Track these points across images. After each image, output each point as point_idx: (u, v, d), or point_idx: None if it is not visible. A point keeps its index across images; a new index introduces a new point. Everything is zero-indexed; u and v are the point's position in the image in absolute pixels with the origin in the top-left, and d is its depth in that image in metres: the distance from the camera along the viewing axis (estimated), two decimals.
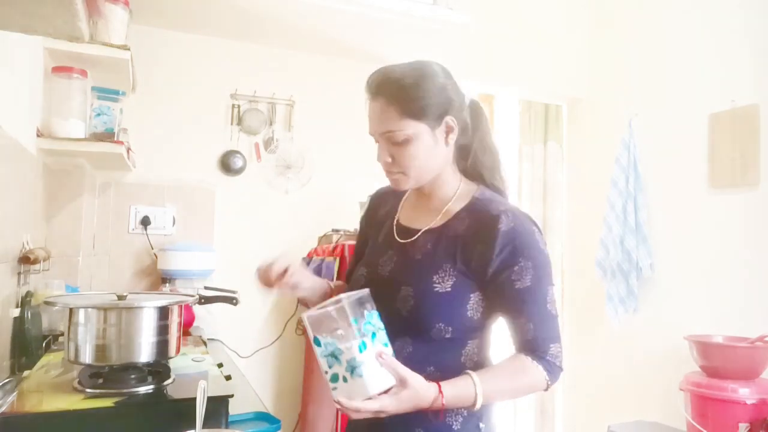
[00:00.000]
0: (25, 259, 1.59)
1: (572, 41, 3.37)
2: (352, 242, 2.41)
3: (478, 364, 1.07)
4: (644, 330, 2.90)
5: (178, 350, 1.25)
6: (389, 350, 0.95)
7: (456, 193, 1.13)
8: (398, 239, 1.15)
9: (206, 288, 2.33)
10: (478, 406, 0.96)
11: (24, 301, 1.58)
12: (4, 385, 1.22)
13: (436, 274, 1.05)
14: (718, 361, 2.23)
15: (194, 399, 0.91)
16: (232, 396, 1.13)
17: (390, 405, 0.90)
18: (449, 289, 1.04)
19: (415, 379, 0.93)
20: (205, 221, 2.71)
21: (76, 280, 2.21)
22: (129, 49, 1.94)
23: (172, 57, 2.68)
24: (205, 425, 0.91)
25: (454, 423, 1.05)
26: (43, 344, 1.64)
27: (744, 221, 2.48)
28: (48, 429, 1.00)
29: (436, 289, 1.04)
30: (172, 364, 1.29)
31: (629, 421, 2.59)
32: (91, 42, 1.84)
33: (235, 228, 2.77)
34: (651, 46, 2.98)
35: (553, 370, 1.03)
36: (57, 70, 1.86)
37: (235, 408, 1.17)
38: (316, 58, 2.91)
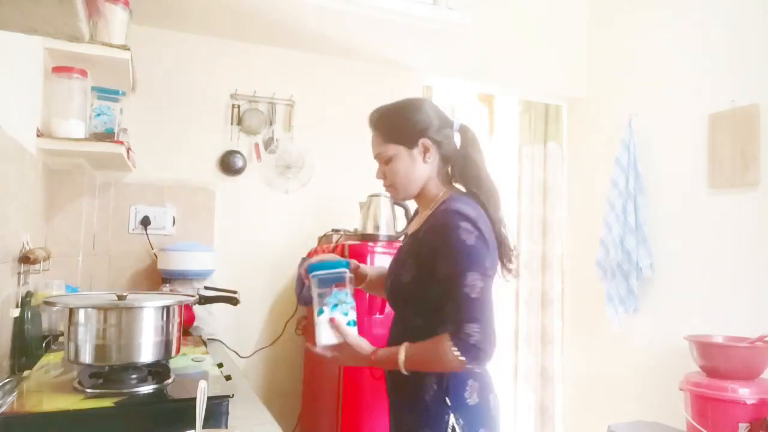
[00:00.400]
0: (25, 259, 1.59)
1: (572, 41, 3.37)
2: (352, 242, 2.41)
3: None
4: (644, 330, 2.90)
5: (178, 350, 1.25)
6: (345, 319, 1.29)
7: (436, 200, 1.37)
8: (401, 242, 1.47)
9: (206, 288, 2.34)
10: (401, 368, 1.23)
11: (24, 301, 1.58)
12: (4, 385, 1.22)
13: (403, 268, 1.33)
14: (718, 361, 2.24)
15: (194, 399, 0.91)
16: (232, 396, 1.13)
17: (333, 355, 1.30)
18: (410, 279, 1.31)
19: (355, 341, 1.28)
20: (205, 221, 2.71)
21: (76, 280, 2.21)
22: (129, 49, 1.94)
23: (172, 57, 2.68)
24: (205, 425, 0.91)
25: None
26: (43, 344, 1.64)
27: (744, 221, 2.48)
28: (48, 429, 1.00)
29: (402, 279, 1.33)
30: (172, 364, 1.30)
31: (629, 421, 2.59)
32: (91, 42, 1.84)
33: (235, 228, 2.77)
34: (651, 46, 2.98)
35: (468, 349, 1.17)
36: (57, 70, 1.86)
37: (235, 408, 1.17)
38: (316, 58, 2.91)
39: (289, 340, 2.79)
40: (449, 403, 1.25)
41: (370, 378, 2.21)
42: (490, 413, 1.29)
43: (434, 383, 1.26)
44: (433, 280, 1.25)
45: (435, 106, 1.41)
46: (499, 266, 1.34)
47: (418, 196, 1.41)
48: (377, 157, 1.40)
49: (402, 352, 1.23)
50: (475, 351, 1.16)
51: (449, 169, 1.41)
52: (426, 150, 1.35)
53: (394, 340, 1.34)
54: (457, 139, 1.40)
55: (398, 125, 1.37)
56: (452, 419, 1.24)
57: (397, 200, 1.46)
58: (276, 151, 2.83)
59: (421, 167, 1.36)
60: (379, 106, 1.42)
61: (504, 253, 1.34)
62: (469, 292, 1.18)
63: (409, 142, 1.35)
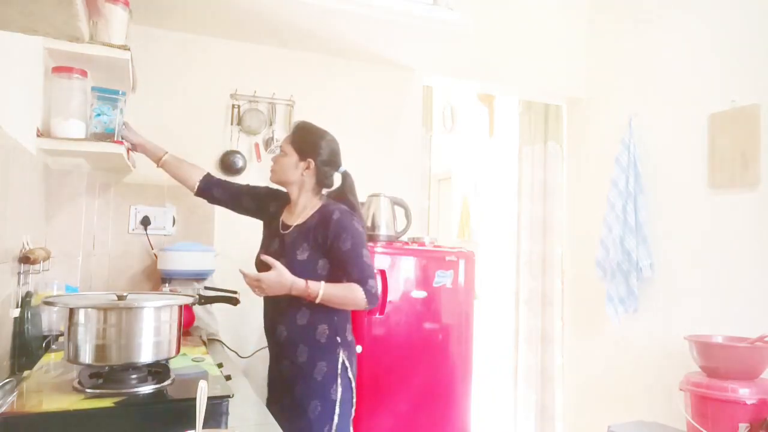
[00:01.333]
0: (25, 259, 1.59)
1: (572, 41, 3.37)
2: None
3: (331, 310, 1.76)
4: (644, 330, 2.90)
5: (178, 350, 1.25)
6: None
7: (311, 204, 1.85)
8: (281, 231, 1.85)
9: (206, 288, 2.34)
10: (318, 297, 1.67)
11: (24, 301, 1.58)
12: (4, 385, 1.22)
13: (299, 250, 1.75)
14: (718, 361, 2.24)
15: (194, 399, 0.91)
16: (232, 396, 1.13)
17: (263, 278, 1.68)
18: (305, 258, 1.74)
19: (282, 268, 1.68)
20: (205, 221, 2.70)
21: (76, 280, 2.21)
22: (129, 49, 1.94)
23: (172, 57, 2.68)
24: (205, 425, 0.91)
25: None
26: (43, 344, 1.64)
27: (744, 221, 2.48)
28: (48, 429, 1.00)
29: (298, 258, 1.74)
30: (172, 364, 1.30)
31: (629, 421, 2.59)
32: (91, 42, 1.83)
33: (235, 228, 2.77)
34: (651, 46, 2.98)
35: (369, 295, 1.70)
36: (57, 70, 1.86)
37: (235, 408, 1.17)
38: (316, 58, 2.91)
39: None
40: (339, 341, 1.77)
41: (368, 377, 2.21)
42: (354, 346, 1.87)
43: (327, 328, 1.76)
44: (324, 256, 1.73)
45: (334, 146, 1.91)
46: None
47: (293, 197, 1.88)
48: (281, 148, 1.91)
49: (321, 287, 1.67)
50: (375, 298, 1.71)
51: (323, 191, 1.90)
52: (307, 166, 1.83)
53: (283, 300, 1.73)
54: (337, 179, 1.90)
55: (304, 143, 1.87)
56: (341, 354, 1.76)
57: (272, 180, 1.90)
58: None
59: (297, 173, 1.85)
60: (303, 122, 1.95)
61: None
62: (366, 260, 1.73)
63: (301, 155, 1.84)
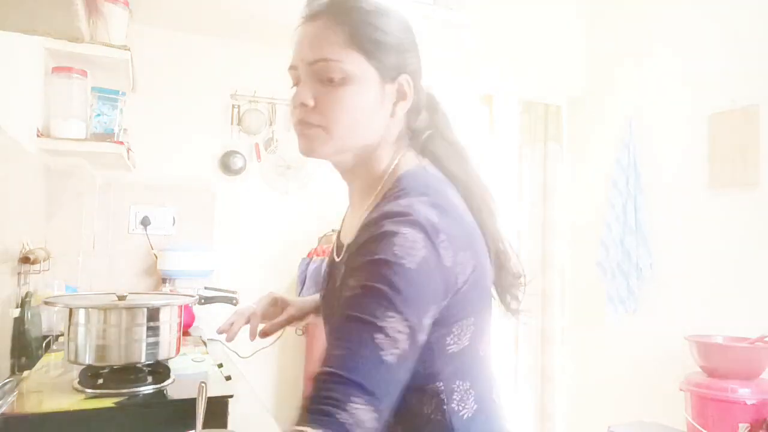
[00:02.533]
0: (25, 260, 1.59)
1: (572, 41, 3.37)
2: None
3: (450, 411, 0.75)
4: (644, 330, 2.90)
5: (178, 351, 1.25)
6: None
7: (381, 182, 0.82)
8: (335, 257, 0.87)
9: (206, 288, 2.33)
10: None
11: (24, 302, 1.58)
12: (4, 385, 1.22)
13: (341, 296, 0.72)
14: (719, 361, 2.23)
15: (194, 399, 0.91)
16: (232, 396, 1.13)
17: None
18: None
19: None
20: (205, 221, 2.70)
21: (76, 280, 2.21)
22: (129, 50, 1.94)
23: (172, 57, 2.68)
24: (205, 425, 0.91)
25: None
26: (43, 344, 1.64)
27: (744, 221, 2.48)
28: (48, 429, 1.00)
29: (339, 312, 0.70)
30: (172, 364, 1.29)
31: (629, 421, 2.59)
32: (91, 42, 1.84)
33: (235, 228, 2.77)
34: (651, 46, 2.98)
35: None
36: (57, 70, 1.86)
37: (235, 408, 1.17)
38: None
39: (289, 340, 2.79)
40: None
41: None
42: None
43: None
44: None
45: (415, 35, 0.85)
46: (496, 301, 0.85)
47: (352, 174, 0.87)
48: (319, 65, 0.80)
49: None
50: None
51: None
52: (402, 96, 0.82)
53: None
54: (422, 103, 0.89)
55: (381, 29, 0.78)
56: None
57: (315, 154, 0.84)
58: (276, 151, 2.83)
59: (383, 119, 0.81)
60: None
61: (505, 282, 0.85)
62: (381, 347, 0.62)
63: (388, 70, 0.79)
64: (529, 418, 3.65)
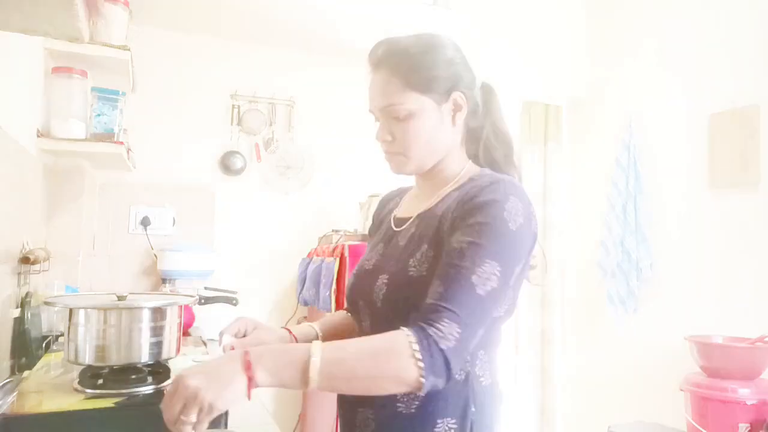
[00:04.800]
0: (25, 260, 1.59)
1: (572, 41, 3.37)
2: (353, 242, 2.40)
3: (473, 376, 0.92)
4: (644, 330, 2.90)
5: (178, 351, 1.25)
6: None
7: (458, 176, 1.01)
8: (393, 227, 1.05)
9: (206, 288, 2.34)
10: (313, 381, 0.74)
11: (24, 302, 1.58)
12: (4, 385, 1.22)
13: (413, 258, 0.93)
14: (718, 361, 2.23)
15: None
16: None
17: (186, 383, 0.72)
18: (425, 273, 0.90)
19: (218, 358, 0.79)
20: (205, 221, 2.71)
21: (76, 280, 2.20)
22: (129, 50, 1.94)
23: (172, 57, 2.68)
24: None
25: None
26: (43, 345, 1.64)
27: (744, 221, 2.48)
28: (48, 429, 1.00)
29: (411, 273, 0.92)
30: (172, 364, 1.29)
31: (629, 421, 2.59)
32: (91, 42, 1.84)
33: (235, 228, 2.77)
34: (651, 46, 2.98)
35: (432, 353, 0.76)
36: (57, 70, 1.86)
37: (235, 408, 1.17)
38: (316, 58, 2.91)
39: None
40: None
41: None
42: None
43: (452, 427, 0.89)
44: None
45: (461, 50, 1.04)
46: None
47: (427, 173, 1.03)
48: (388, 109, 0.98)
49: (316, 352, 0.75)
50: (442, 361, 0.77)
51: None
52: (458, 108, 1.00)
53: None
54: (480, 102, 1.04)
55: (429, 67, 0.97)
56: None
57: (403, 172, 1.02)
58: (276, 151, 2.83)
59: (448, 132, 1.00)
60: (390, 38, 1.05)
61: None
62: (476, 283, 0.81)
63: (441, 95, 0.98)
64: (529, 418, 3.65)
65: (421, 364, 0.75)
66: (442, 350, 0.76)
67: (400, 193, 1.18)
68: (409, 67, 0.97)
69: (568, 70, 3.35)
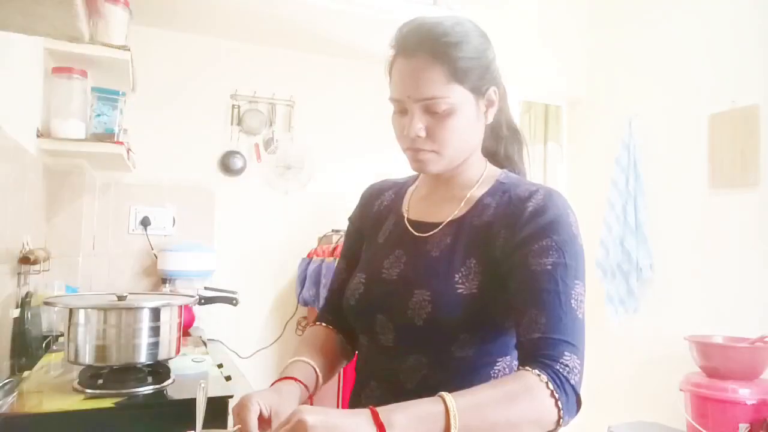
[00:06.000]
0: (25, 260, 1.59)
1: (572, 41, 3.37)
2: None
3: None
4: (644, 330, 2.89)
5: (178, 351, 1.25)
6: None
7: (481, 177, 0.95)
8: (414, 232, 0.94)
9: (206, 288, 2.34)
10: None
11: (24, 302, 1.58)
12: (4, 385, 1.22)
13: (459, 273, 0.85)
14: (718, 361, 2.23)
15: (194, 399, 0.91)
16: (232, 396, 1.13)
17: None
18: (475, 291, 0.83)
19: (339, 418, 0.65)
20: (204, 221, 2.71)
21: (76, 280, 2.21)
22: (129, 50, 1.94)
23: (172, 57, 2.68)
24: (205, 425, 0.91)
25: None
26: (43, 345, 1.64)
27: (744, 221, 2.48)
28: (48, 429, 1.00)
29: (459, 290, 0.84)
30: (172, 364, 1.29)
31: (629, 421, 2.59)
32: (91, 42, 1.83)
33: (235, 228, 2.77)
34: (651, 46, 2.98)
35: (566, 390, 0.73)
36: (57, 70, 1.86)
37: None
38: (316, 58, 2.91)
39: (289, 340, 2.79)
40: None
41: None
42: None
43: None
44: (502, 288, 0.84)
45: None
46: None
47: (446, 173, 0.95)
48: (427, 102, 0.85)
49: (449, 403, 0.67)
50: (572, 397, 0.74)
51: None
52: (491, 104, 0.92)
53: (428, 391, 0.72)
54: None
55: (472, 58, 0.87)
56: None
57: (428, 171, 0.91)
58: (276, 151, 2.83)
59: (481, 130, 0.93)
60: (423, 19, 0.95)
61: None
62: (576, 307, 0.79)
63: (480, 89, 0.89)
64: None
65: (560, 404, 0.72)
66: (573, 386, 0.74)
67: (395, 188, 1.06)
68: (456, 57, 0.85)
69: (568, 71, 3.35)
